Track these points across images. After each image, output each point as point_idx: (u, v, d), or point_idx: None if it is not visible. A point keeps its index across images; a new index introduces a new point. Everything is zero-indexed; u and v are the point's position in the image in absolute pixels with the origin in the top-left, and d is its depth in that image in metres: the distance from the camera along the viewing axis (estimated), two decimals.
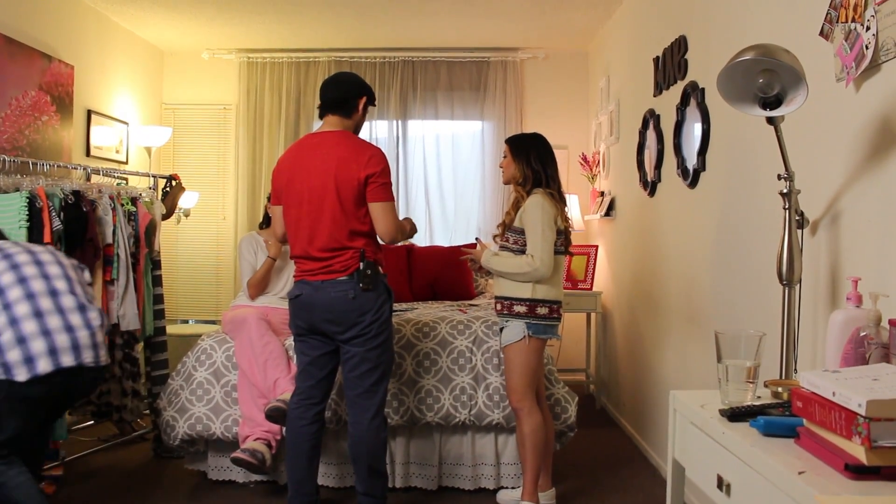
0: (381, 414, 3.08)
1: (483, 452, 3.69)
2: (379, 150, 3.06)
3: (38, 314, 2.71)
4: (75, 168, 4.27)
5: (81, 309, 2.82)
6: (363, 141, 3.09)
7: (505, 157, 3.37)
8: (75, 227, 3.73)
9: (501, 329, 3.28)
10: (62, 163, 4.33)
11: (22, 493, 2.69)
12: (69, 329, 2.74)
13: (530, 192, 3.23)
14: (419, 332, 3.72)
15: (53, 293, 2.80)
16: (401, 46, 6.19)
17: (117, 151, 5.55)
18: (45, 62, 4.59)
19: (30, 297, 2.74)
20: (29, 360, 2.63)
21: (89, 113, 5.17)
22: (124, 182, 4.72)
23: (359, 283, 2.95)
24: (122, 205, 4.16)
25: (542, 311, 3.19)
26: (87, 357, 2.75)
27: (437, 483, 3.68)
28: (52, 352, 2.67)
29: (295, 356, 3.27)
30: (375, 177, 2.94)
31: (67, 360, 2.69)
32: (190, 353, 3.79)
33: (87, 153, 5.14)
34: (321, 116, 3.12)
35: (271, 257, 3.93)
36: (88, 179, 4.25)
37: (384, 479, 3.16)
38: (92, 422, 4.39)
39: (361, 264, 2.95)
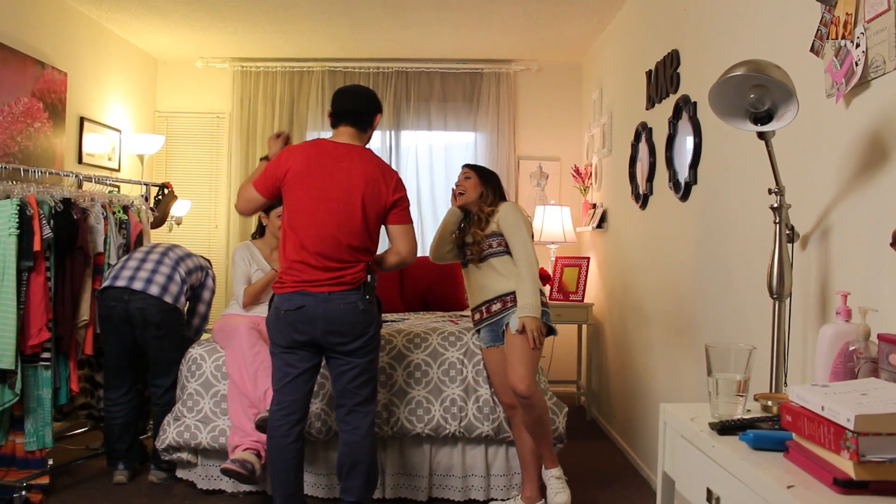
0: (374, 421, 3.13)
1: (473, 464, 3.68)
2: (398, 173, 3.17)
3: (128, 258, 3.90)
4: (67, 175, 4.26)
5: (158, 262, 3.86)
6: (385, 162, 3.16)
7: (468, 178, 3.47)
8: (65, 235, 3.72)
9: (503, 326, 3.31)
10: (54, 170, 4.32)
11: (121, 420, 3.88)
12: (137, 268, 3.81)
13: (493, 205, 3.43)
14: (410, 343, 3.72)
15: (147, 253, 3.93)
16: (394, 57, 6.21)
17: (110, 159, 5.54)
18: (38, 69, 4.59)
19: (131, 256, 3.92)
20: (105, 279, 3.87)
21: (82, 120, 5.16)
22: (116, 190, 4.72)
23: (365, 296, 2.98)
24: (114, 213, 4.15)
25: (542, 298, 3.31)
26: (138, 285, 3.74)
27: (427, 494, 3.67)
28: (116, 277, 3.79)
29: (277, 370, 3.07)
30: (401, 201, 3.08)
31: (120, 283, 3.75)
32: (183, 363, 3.77)
33: (80, 160, 5.13)
34: (334, 125, 3.10)
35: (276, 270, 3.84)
36: (80, 187, 4.24)
37: (375, 488, 3.17)
38: (86, 428, 4.37)
39: (369, 277, 3.00)
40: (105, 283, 3.82)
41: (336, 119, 3.10)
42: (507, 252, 3.32)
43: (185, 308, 4.03)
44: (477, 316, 3.43)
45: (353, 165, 2.99)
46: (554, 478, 3.36)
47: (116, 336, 3.81)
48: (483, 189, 3.45)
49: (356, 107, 3.10)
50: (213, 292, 4.21)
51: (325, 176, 2.97)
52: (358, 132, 3.10)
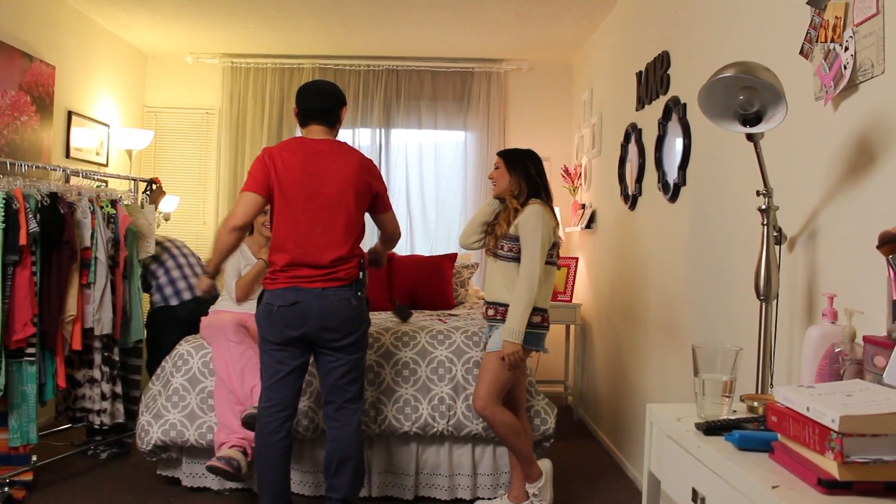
0: (361, 419, 3.15)
1: (460, 462, 3.68)
2: (373, 162, 3.25)
3: (179, 267, 4.64)
4: (54, 169, 4.23)
5: (192, 266, 4.69)
6: (362, 153, 3.18)
7: (497, 168, 3.38)
8: (52, 230, 3.69)
9: (489, 335, 3.31)
10: (41, 164, 4.28)
11: None
12: (185, 277, 4.61)
13: (525, 204, 3.26)
14: (398, 341, 3.71)
15: (186, 256, 4.76)
16: (385, 55, 6.20)
17: (97, 153, 5.50)
18: (25, 62, 4.55)
19: (178, 265, 4.66)
20: (176, 294, 4.57)
21: (70, 114, 5.12)
22: (104, 185, 4.69)
23: (357, 292, 2.99)
24: (102, 207, 4.12)
25: (535, 318, 3.23)
26: (186, 295, 4.56)
27: (413, 493, 3.67)
28: (178, 292, 4.55)
29: (267, 367, 3.07)
30: (384, 189, 3.20)
31: (187, 296, 4.55)
32: (168, 358, 3.76)
33: (67, 155, 5.09)
34: (303, 124, 3.11)
35: (265, 260, 3.81)
36: (67, 181, 4.21)
37: (362, 486, 3.17)
38: (69, 425, 4.34)
39: (361, 273, 3.02)
40: (173, 303, 4.53)
41: (305, 118, 3.11)
42: (517, 259, 3.22)
43: None
44: (483, 309, 3.43)
45: (341, 162, 3.02)
46: (531, 493, 3.40)
47: (176, 333, 4.28)
48: (510, 176, 3.33)
49: (324, 104, 3.10)
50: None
51: (318, 174, 2.97)
52: (328, 129, 3.11)
